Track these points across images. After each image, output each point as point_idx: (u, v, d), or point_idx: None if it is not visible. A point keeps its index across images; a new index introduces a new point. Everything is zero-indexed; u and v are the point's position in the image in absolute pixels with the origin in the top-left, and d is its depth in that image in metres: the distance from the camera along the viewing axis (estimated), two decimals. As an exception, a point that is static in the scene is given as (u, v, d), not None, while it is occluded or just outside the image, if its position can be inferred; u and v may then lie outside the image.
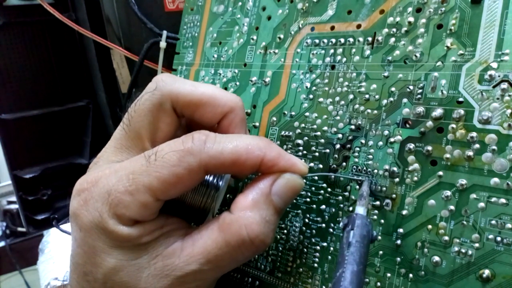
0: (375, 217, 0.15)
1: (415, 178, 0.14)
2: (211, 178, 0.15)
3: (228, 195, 0.19)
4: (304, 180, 0.17)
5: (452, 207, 0.13)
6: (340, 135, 0.16)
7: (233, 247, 0.13)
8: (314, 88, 0.17)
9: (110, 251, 0.13)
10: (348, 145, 0.16)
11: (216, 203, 0.15)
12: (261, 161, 0.14)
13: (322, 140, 0.17)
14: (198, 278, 0.13)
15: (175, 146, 0.13)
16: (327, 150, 0.17)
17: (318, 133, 0.17)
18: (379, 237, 0.15)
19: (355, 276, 0.12)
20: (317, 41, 0.18)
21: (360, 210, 0.14)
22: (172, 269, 0.13)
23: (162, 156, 0.13)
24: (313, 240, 0.17)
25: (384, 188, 0.15)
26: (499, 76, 0.13)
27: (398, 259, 0.14)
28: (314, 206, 0.17)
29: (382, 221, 0.15)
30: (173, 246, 0.13)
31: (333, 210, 0.16)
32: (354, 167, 0.16)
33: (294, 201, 0.17)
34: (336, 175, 0.16)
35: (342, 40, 0.17)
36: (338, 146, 0.16)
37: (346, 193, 0.16)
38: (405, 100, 0.15)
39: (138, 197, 0.13)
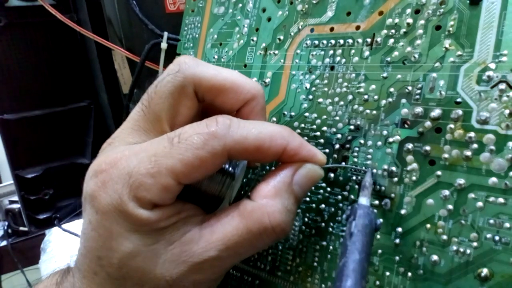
0: (374, 216, 0.15)
1: (414, 178, 0.14)
2: (227, 166, 0.15)
3: None
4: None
5: (450, 207, 0.13)
6: (339, 135, 0.16)
7: (254, 235, 0.13)
8: (313, 88, 0.18)
9: (127, 235, 0.13)
10: (347, 145, 0.16)
11: (232, 192, 0.15)
12: (283, 149, 0.14)
13: (322, 140, 0.17)
14: (215, 265, 0.13)
15: (199, 128, 0.13)
16: (327, 150, 0.17)
17: (318, 133, 0.17)
18: (378, 236, 0.15)
19: (358, 264, 0.12)
20: (316, 42, 0.18)
21: (363, 200, 0.14)
22: (190, 256, 0.13)
23: (186, 139, 0.13)
24: (313, 239, 0.17)
25: (383, 188, 0.15)
26: (497, 77, 0.13)
27: (397, 257, 0.14)
28: (314, 205, 0.17)
29: (381, 220, 0.15)
30: (191, 232, 0.13)
31: (332, 209, 0.16)
32: (353, 166, 0.16)
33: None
34: (348, 166, 0.16)
35: (341, 41, 0.17)
36: (337, 146, 0.16)
37: (345, 193, 0.16)
38: (403, 100, 0.15)
39: (160, 179, 0.12)
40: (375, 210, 0.15)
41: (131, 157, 0.13)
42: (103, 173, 0.13)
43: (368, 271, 0.12)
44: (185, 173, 0.13)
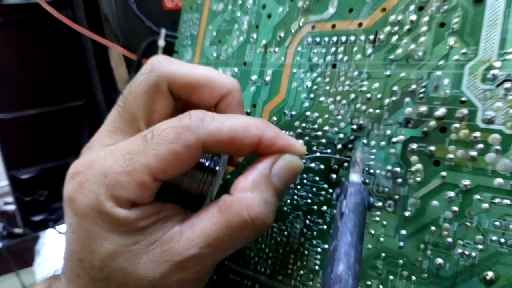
0: (377, 218, 0.15)
1: (418, 179, 0.14)
2: (207, 163, 0.14)
3: None
4: (306, 181, 0.17)
5: (455, 208, 0.13)
6: (341, 135, 0.16)
7: (234, 229, 0.13)
8: (315, 87, 0.17)
9: (107, 236, 0.13)
10: (350, 145, 0.16)
11: (214, 189, 0.15)
12: (259, 140, 0.13)
13: (323, 140, 0.17)
14: (197, 262, 0.13)
15: (172, 123, 0.13)
16: (329, 150, 0.16)
17: (319, 132, 0.17)
18: (382, 239, 0.15)
19: (350, 246, 0.11)
20: (318, 39, 0.17)
21: (354, 177, 0.13)
22: (171, 255, 0.13)
23: (159, 134, 0.13)
24: (314, 242, 0.16)
25: (387, 189, 0.15)
26: (502, 75, 0.13)
27: (401, 261, 0.14)
28: (315, 207, 0.17)
29: (385, 222, 0.15)
30: (172, 231, 0.13)
31: (335, 211, 0.16)
32: (333, 156, 0.16)
33: (295, 202, 0.17)
34: (332, 156, 0.15)
35: (344, 38, 0.17)
36: (339, 146, 0.16)
37: (348, 194, 0.16)
38: (407, 99, 0.15)
39: (136, 177, 0.12)
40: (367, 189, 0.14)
41: (107, 157, 0.13)
42: (80, 175, 0.13)
43: (361, 253, 0.12)
44: (161, 169, 0.12)
